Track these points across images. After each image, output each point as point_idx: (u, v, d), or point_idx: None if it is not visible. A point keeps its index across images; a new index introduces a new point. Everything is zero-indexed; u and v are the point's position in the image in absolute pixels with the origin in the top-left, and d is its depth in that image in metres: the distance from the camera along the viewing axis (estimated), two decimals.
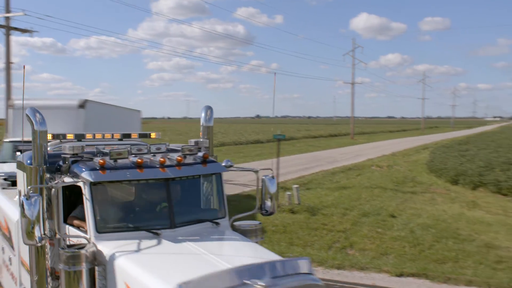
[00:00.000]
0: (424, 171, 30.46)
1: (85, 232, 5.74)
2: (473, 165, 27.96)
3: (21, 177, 6.92)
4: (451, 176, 25.99)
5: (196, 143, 6.99)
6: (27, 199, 5.26)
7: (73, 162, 6.03)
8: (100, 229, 5.67)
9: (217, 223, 6.36)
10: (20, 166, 6.92)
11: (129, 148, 6.09)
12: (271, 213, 6.91)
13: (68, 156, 6.07)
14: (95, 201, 5.71)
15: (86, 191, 5.70)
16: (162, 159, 6.05)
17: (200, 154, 6.53)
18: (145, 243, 5.59)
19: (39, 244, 5.46)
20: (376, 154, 42.80)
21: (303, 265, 5.08)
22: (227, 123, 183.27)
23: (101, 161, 5.76)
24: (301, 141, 65.66)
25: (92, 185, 5.70)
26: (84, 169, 5.77)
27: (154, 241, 5.65)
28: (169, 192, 6.02)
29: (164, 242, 5.64)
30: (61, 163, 6.23)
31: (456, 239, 14.07)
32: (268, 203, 6.86)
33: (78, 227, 5.95)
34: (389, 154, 42.94)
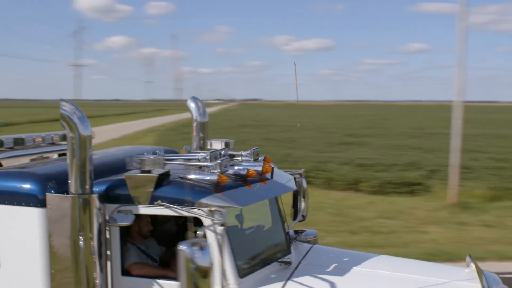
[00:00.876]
0: None
1: None
2: None
3: (22, 220, 4.29)
4: None
5: (227, 144, 5.29)
6: (201, 248, 3.59)
7: (158, 183, 4.18)
8: (242, 273, 4.23)
9: (297, 239, 5.56)
10: (19, 198, 4.31)
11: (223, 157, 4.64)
12: (304, 219, 6.12)
13: (154, 175, 4.16)
14: (229, 235, 4.18)
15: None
16: (266, 168, 4.63)
17: (261, 158, 5.19)
18: (303, 280, 4.40)
19: None
20: (104, 138, 42.46)
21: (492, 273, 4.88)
22: None
23: (221, 178, 4.13)
24: (23, 127, 61.41)
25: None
26: (201, 193, 4.08)
27: (306, 276, 4.46)
28: (279, 210, 5.12)
29: (318, 274, 4.49)
30: (101, 186, 4.31)
31: None
32: (302, 207, 6.04)
33: (159, 277, 4.33)
34: (118, 138, 43.08)
